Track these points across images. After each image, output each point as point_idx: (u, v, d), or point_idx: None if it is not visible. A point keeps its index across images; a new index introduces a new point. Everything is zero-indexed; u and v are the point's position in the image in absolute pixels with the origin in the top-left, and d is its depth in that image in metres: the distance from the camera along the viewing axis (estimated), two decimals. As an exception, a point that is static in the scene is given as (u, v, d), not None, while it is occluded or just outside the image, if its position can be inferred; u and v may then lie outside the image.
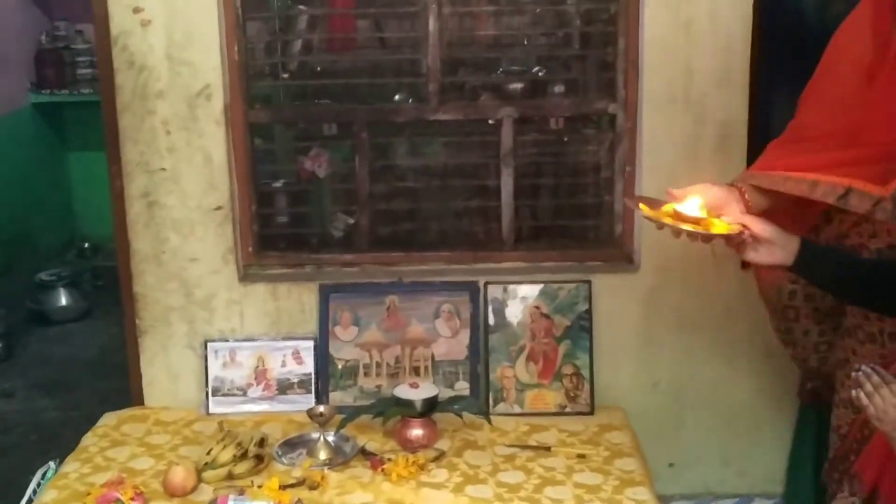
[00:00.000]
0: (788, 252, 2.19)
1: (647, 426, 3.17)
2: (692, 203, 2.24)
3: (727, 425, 3.33)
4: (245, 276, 3.23)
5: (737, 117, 3.07)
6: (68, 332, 5.83)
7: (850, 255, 2.35)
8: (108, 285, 5.53)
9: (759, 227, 2.18)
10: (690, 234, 2.20)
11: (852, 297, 2.32)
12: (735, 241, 2.21)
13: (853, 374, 1.87)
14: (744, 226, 2.19)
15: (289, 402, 3.16)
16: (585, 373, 3.15)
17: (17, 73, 6.29)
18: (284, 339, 3.21)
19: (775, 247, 2.19)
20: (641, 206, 2.29)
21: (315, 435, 2.89)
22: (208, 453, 2.74)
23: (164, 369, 3.26)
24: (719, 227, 2.19)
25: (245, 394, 3.18)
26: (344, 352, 3.19)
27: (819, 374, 2.78)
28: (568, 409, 3.14)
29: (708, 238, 2.22)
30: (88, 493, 2.63)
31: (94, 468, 2.83)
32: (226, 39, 3.07)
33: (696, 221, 2.20)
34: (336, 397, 3.16)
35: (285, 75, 3.37)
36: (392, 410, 2.93)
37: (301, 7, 3.32)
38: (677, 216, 2.22)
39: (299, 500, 2.55)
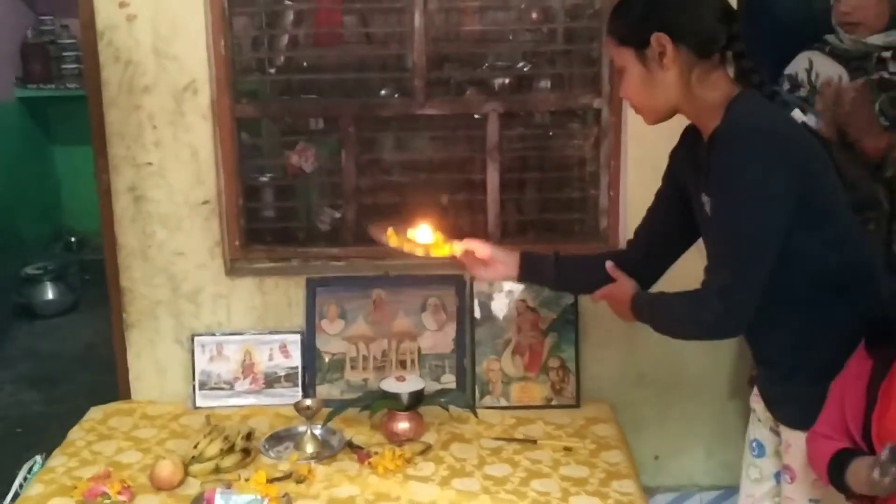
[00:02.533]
0: (511, 267, 2.47)
1: (632, 419, 3.20)
2: (424, 230, 2.54)
3: (712, 418, 3.35)
4: (232, 270, 3.23)
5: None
6: (55, 326, 5.83)
7: (568, 256, 2.52)
8: (94, 279, 5.51)
9: (480, 249, 2.47)
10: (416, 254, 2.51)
11: (578, 288, 2.50)
12: (461, 263, 2.52)
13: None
14: (468, 250, 2.47)
15: (276, 396, 3.17)
16: (571, 366, 3.17)
17: (3, 68, 6.26)
18: (271, 332, 3.21)
19: (498, 263, 2.47)
20: (388, 232, 2.56)
21: (302, 428, 2.90)
22: (195, 447, 2.74)
23: (151, 363, 3.26)
24: (441, 250, 2.50)
25: (232, 387, 3.18)
26: (331, 345, 3.20)
27: None
28: (554, 402, 3.16)
29: (429, 256, 2.52)
30: (75, 487, 2.63)
31: (80, 462, 2.83)
32: (212, 34, 3.08)
33: (424, 246, 2.51)
34: (323, 391, 3.17)
35: (272, 70, 3.37)
36: (379, 404, 2.94)
37: (287, 2, 3.32)
38: (407, 241, 2.52)
39: (286, 494, 2.56)
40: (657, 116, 2.16)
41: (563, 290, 2.52)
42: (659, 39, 2.03)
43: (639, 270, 2.32)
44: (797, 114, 2.07)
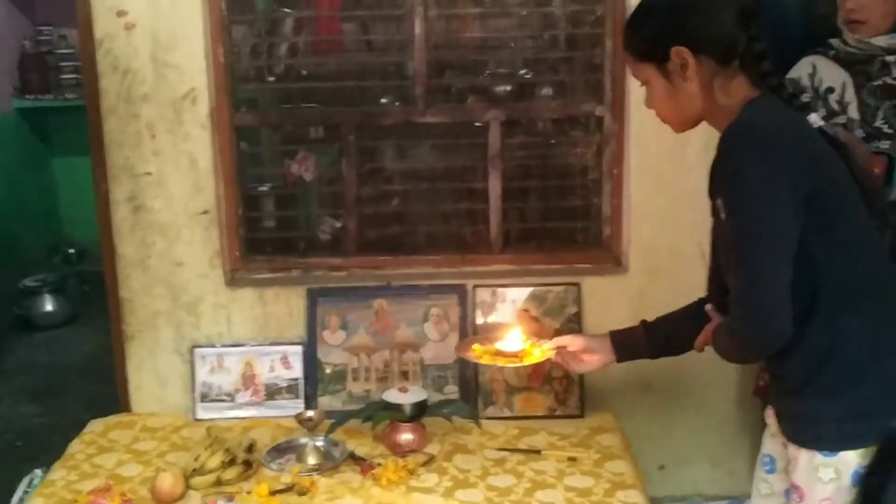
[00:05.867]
0: (606, 352, 2.43)
1: (637, 428, 3.18)
2: (513, 337, 2.55)
3: (717, 427, 3.33)
4: (232, 281, 3.21)
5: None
6: (54, 338, 5.79)
7: (655, 320, 2.44)
8: (93, 291, 5.47)
9: (573, 343, 2.46)
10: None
11: (678, 348, 2.39)
12: (559, 362, 2.49)
13: None
14: (560, 346, 2.46)
15: (277, 408, 3.14)
16: (575, 375, 3.14)
17: (1, 78, 6.25)
18: (272, 343, 3.19)
19: (594, 353, 2.44)
20: (473, 348, 2.58)
21: (304, 440, 2.88)
22: (196, 459, 2.72)
23: (151, 375, 3.24)
24: (532, 357, 2.49)
25: (233, 399, 3.16)
26: (332, 356, 3.18)
27: None
28: (558, 413, 3.13)
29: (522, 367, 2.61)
30: (75, 501, 2.61)
31: (81, 475, 2.81)
32: (211, 42, 3.06)
33: (514, 356, 2.50)
34: (325, 402, 3.15)
35: (271, 78, 3.36)
36: (381, 415, 2.92)
37: (286, 10, 3.31)
38: (497, 354, 2.52)
39: (288, 506, 2.54)
40: (685, 126, 2.13)
41: (664, 356, 2.44)
42: (679, 53, 1.99)
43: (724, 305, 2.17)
44: (814, 117, 2.03)
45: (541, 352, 2.49)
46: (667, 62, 2.02)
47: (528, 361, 2.50)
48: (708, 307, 2.22)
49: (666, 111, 2.11)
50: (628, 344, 2.42)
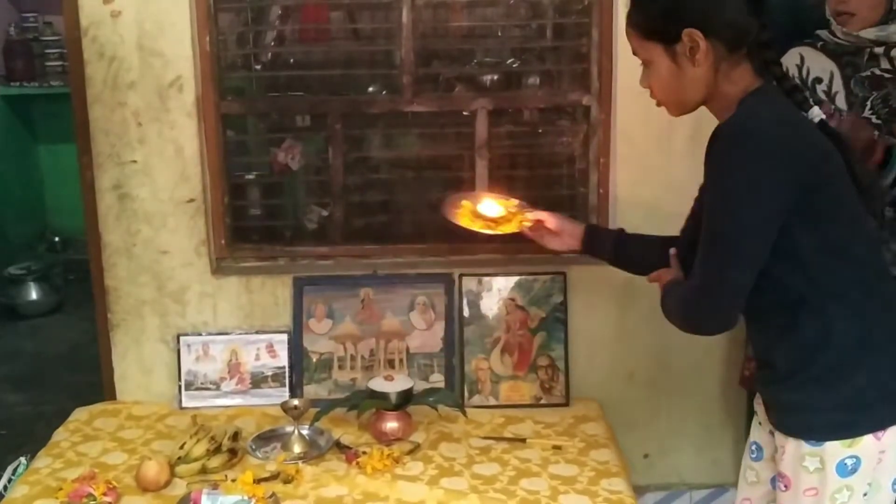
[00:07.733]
0: (576, 238, 2.58)
1: (622, 417, 3.19)
2: (488, 204, 2.66)
3: (702, 416, 3.35)
4: (218, 269, 3.21)
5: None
6: (39, 327, 5.78)
7: (630, 235, 2.56)
8: (79, 279, 5.48)
9: (550, 220, 2.60)
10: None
11: (635, 268, 2.50)
12: (532, 235, 2.64)
13: None
14: (538, 220, 2.60)
15: (263, 396, 3.14)
16: (560, 364, 3.15)
17: (-14, 65, 6.23)
18: (258, 332, 3.19)
19: (565, 234, 2.59)
20: (463, 203, 2.68)
21: (289, 428, 2.88)
22: (181, 447, 2.72)
23: (137, 363, 3.23)
24: (507, 227, 2.61)
25: (218, 387, 3.16)
26: (318, 345, 3.18)
27: None
28: (543, 401, 3.14)
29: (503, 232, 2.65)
30: (60, 489, 2.60)
31: (65, 463, 2.80)
32: (197, 30, 3.05)
33: (493, 221, 2.62)
34: (310, 390, 3.15)
35: (258, 66, 3.35)
36: (367, 403, 2.92)
37: (273, -3, 3.30)
38: (479, 219, 2.64)
39: (273, 494, 2.53)
40: (682, 110, 2.10)
41: (620, 268, 2.55)
42: (691, 35, 1.95)
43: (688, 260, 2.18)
44: (816, 111, 2.02)
45: (517, 222, 2.61)
46: (676, 43, 1.98)
47: (502, 230, 2.60)
48: (672, 251, 2.28)
49: (666, 94, 2.07)
50: (596, 241, 2.57)
